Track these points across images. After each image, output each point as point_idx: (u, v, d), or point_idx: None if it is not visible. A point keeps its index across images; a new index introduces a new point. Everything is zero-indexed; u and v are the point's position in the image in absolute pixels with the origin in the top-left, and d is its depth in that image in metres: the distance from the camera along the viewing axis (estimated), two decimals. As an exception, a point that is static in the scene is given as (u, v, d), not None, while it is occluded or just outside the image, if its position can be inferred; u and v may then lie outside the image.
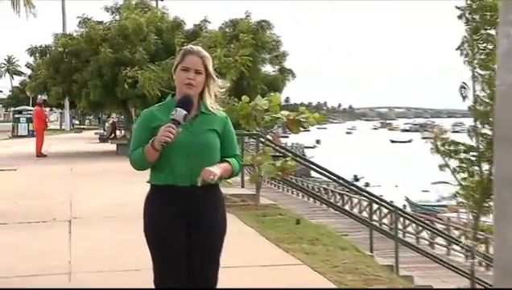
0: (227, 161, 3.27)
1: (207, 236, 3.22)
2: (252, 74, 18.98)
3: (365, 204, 21.63)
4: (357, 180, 42.37)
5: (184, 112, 3.12)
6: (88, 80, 18.75)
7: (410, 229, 20.94)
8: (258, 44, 19.26)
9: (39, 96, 25.58)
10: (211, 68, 3.28)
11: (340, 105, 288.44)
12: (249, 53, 13.24)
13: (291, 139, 58.03)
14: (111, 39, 18.86)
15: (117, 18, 20.14)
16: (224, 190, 3.43)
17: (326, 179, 18.27)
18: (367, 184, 39.95)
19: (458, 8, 5.70)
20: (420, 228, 18.93)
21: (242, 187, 11.06)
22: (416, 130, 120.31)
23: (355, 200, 24.45)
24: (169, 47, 17.75)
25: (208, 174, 3.10)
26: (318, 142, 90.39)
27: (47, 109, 46.04)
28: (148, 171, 3.28)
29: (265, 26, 20.28)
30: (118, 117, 30.23)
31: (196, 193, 3.16)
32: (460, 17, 5.61)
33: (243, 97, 9.75)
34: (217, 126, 3.27)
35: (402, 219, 18.64)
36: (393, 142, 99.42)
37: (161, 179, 3.20)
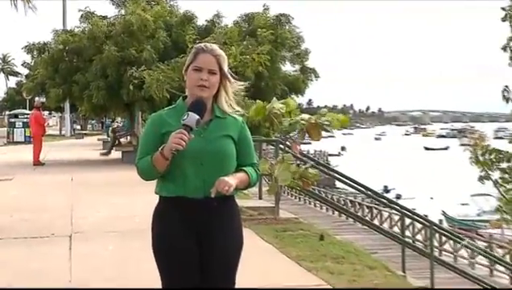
0: (243, 170, 3.27)
1: (221, 253, 3.23)
2: (271, 74, 19.02)
3: (396, 218, 21.48)
4: (387, 191, 42.23)
5: (197, 116, 3.11)
6: (91, 81, 18.89)
7: (447, 246, 20.76)
8: (277, 41, 19.28)
9: (37, 98, 25.81)
10: (226, 68, 3.28)
11: (368, 108, 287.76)
12: (268, 50, 13.25)
13: (314, 146, 58.00)
14: (116, 36, 18.99)
15: (123, 12, 20.26)
16: (240, 202, 3.44)
17: (353, 190, 18.17)
18: (398, 196, 39.83)
19: (503, 9, 5.71)
20: (459, 245, 18.76)
21: (260, 199, 11.07)
22: (454, 136, 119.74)
23: (385, 214, 24.31)
24: (179, 44, 17.84)
25: (223, 185, 3.10)
26: (343, 149, 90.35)
27: (46, 112, 46.59)
28: (156, 182, 3.29)
29: (284, 21, 20.29)
30: (123, 121, 30.34)
31: (209, 206, 3.17)
32: (504, 19, 5.61)
33: (258, 102, 9.75)
34: (233, 131, 3.28)
35: (438, 235, 18.48)
36: (427, 149, 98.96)
37: (171, 190, 3.21)
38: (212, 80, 3.22)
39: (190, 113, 3.12)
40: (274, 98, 10.05)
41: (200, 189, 3.16)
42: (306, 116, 9.69)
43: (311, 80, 21.49)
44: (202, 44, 3.35)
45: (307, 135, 9.78)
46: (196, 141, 3.13)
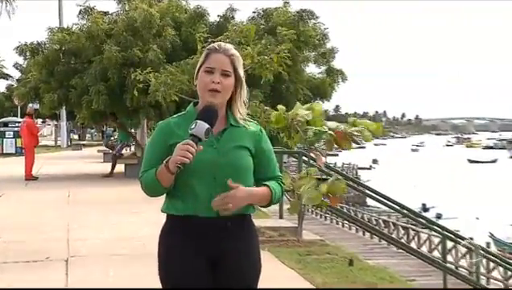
0: (265, 185, 3.26)
1: (236, 279, 3.23)
2: (292, 76, 18.97)
3: (436, 241, 21.31)
4: (425, 210, 41.95)
5: (206, 125, 3.09)
6: (90, 84, 19.00)
7: (495, 273, 20.57)
8: (299, 39, 19.23)
9: (30, 104, 26.02)
10: (241, 71, 3.29)
11: (403, 116, 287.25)
12: (288, 49, 13.21)
13: (342, 158, 57.90)
14: (118, 34, 19.11)
15: (127, 8, 20.38)
16: (258, 222, 3.44)
17: (386, 208, 18.14)
18: (439, 216, 39.56)
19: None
20: (510, 273, 18.57)
21: (281, 218, 11.07)
22: (503, 148, 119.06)
23: (423, 236, 24.12)
24: (189, 43, 17.90)
25: (228, 200, 3.08)
26: (375, 161, 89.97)
27: (39, 120, 46.94)
28: (163, 198, 3.30)
29: (306, 18, 20.25)
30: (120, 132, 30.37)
31: (222, 226, 3.17)
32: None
33: (279, 107, 9.70)
34: (249, 141, 3.27)
35: (485, 261, 18.32)
36: (472, 162, 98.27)
37: (180, 208, 3.21)
38: (225, 82, 3.22)
39: (199, 121, 3.10)
40: (298, 104, 9.97)
41: (212, 207, 3.15)
42: (333, 124, 9.57)
43: (338, 82, 21.38)
44: (215, 44, 3.35)
45: (334, 146, 9.73)
46: (207, 153, 3.13)
